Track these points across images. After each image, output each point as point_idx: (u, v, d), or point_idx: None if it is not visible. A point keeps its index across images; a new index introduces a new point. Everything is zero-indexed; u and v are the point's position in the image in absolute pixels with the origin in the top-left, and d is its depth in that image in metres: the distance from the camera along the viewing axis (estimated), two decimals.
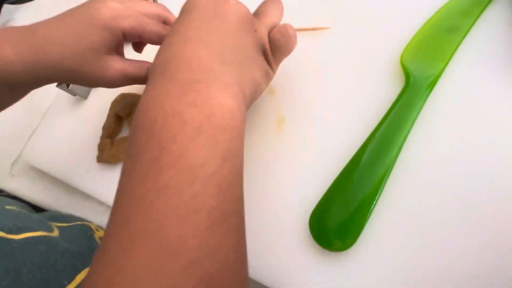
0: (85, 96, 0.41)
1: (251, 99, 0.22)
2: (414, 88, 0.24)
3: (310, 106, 0.28)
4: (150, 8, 0.26)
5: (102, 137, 0.36)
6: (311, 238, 0.23)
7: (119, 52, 0.26)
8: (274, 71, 0.25)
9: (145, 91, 0.18)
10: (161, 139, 0.15)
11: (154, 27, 0.25)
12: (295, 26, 0.30)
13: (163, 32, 0.26)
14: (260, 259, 0.23)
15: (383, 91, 0.26)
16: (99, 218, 0.35)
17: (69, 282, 0.24)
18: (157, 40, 0.26)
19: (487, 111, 0.23)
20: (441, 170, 0.22)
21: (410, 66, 0.25)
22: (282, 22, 0.25)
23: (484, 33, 0.25)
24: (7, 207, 0.28)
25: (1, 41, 0.23)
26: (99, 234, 0.33)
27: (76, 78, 0.25)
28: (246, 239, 0.17)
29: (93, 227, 0.33)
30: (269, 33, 0.23)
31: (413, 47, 0.26)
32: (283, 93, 0.30)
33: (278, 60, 0.25)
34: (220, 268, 0.14)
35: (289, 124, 0.28)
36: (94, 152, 0.36)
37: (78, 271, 0.25)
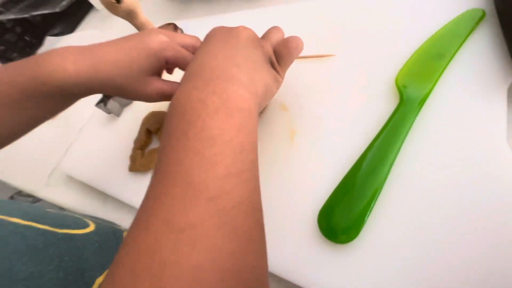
0: (118, 114, 0.47)
1: (264, 96, 0.26)
2: (407, 104, 0.28)
3: (318, 122, 0.32)
4: (189, 40, 0.32)
5: (133, 149, 0.41)
6: (319, 232, 0.26)
7: (159, 74, 0.32)
8: (282, 77, 0.30)
9: (177, 89, 0.23)
10: (189, 119, 0.20)
11: (189, 56, 0.31)
12: (305, 54, 0.35)
13: None
14: (274, 252, 0.26)
15: (381, 108, 0.30)
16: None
17: (101, 274, 0.27)
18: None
19: (469, 125, 0.26)
20: (431, 175, 0.26)
21: (403, 87, 0.29)
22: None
23: (467, 58, 0.29)
24: (48, 210, 0.32)
25: (64, 56, 0.28)
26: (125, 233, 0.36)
27: (123, 93, 0.30)
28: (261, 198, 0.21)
29: (122, 229, 0.37)
30: (274, 47, 0.29)
31: (406, 70, 0.30)
32: (294, 110, 0.34)
33: (284, 68, 0.30)
34: (234, 206, 0.18)
35: (299, 136, 0.32)
36: (126, 162, 0.41)
37: (105, 268, 0.28)
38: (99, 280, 0.27)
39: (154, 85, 0.30)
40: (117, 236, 0.34)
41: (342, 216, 0.26)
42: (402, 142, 0.27)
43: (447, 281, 0.22)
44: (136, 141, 0.41)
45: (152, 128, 0.41)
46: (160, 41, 0.29)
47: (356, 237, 0.25)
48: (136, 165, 0.38)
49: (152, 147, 0.41)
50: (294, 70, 0.36)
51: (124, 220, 0.39)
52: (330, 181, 0.28)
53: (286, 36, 0.30)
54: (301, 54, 0.37)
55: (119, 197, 0.39)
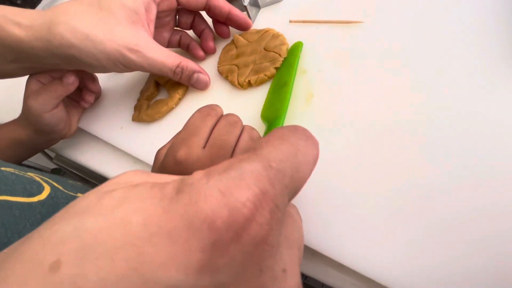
0: None
1: None
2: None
3: (335, 87, 0.31)
4: None
5: (139, 99, 0.39)
6: None
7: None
8: None
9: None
10: None
11: None
12: (332, 18, 0.34)
13: None
14: None
15: (396, 80, 0.29)
16: None
17: None
18: None
19: None
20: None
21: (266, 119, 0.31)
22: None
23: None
24: (2, 168, 0.29)
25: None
26: None
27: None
28: None
29: None
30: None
31: (266, 104, 0.33)
32: (313, 73, 0.33)
33: None
34: None
35: (316, 99, 0.31)
36: (129, 112, 0.40)
37: None
38: None
39: None
40: None
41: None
42: None
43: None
44: (143, 92, 0.39)
45: (161, 81, 0.39)
46: None
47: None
48: (141, 114, 0.37)
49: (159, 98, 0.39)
50: (318, 34, 0.35)
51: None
52: (340, 139, 0.27)
53: None
54: (328, 18, 0.36)
55: (119, 147, 0.38)
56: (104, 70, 0.33)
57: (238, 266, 0.12)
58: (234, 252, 0.12)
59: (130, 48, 0.31)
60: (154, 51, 0.32)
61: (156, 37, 0.37)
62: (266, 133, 0.29)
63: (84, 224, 0.12)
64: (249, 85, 0.34)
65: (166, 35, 0.39)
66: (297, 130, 0.17)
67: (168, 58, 0.33)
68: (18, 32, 0.29)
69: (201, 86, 0.36)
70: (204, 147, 0.23)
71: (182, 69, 0.34)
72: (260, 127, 0.31)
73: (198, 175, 0.13)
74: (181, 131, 0.25)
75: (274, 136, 0.16)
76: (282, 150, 0.15)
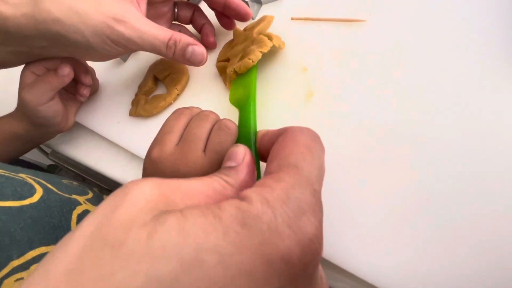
0: (124, 60, 0.44)
1: None
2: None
3: (335, 85, 0.30)
4: None
5: (137, 94, 0.39)
6: None
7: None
8: None
9: None
10: None
11: None
12: (334, 16, 0.33)
13: None
14: None
15: (396, 78, 0.28)
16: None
17: (18, 257, 0.24)
18: None
19: None
20: None
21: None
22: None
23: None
24: None
25: None
26: (82, 208, 0.32)
27: None
28: None
29: (81, 200, 0.33)
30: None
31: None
32: (314, 72, 0.32)
33: None
34: None
35: (316, 98, 0.31)
36: (127, 107, 0.39)
37: (31, 248, 0.25)
38: (14, 263, 0.23)
39: None
40: (64, 212, 0.29)
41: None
42: None
43: None
44: (141, 86, 0.39)
45: (160, 75, 0.38)
46: None
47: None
48: (138, 109, 0.36)
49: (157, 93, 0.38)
50: (319, 32, 0.34)
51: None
52: (340, 143, 0.26)
53: None
54: (330, 16, 0.35)
55: (116, 141, 0.37)
56: (93, 51, 0.31)
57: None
58: (302, 279, 0.13)
59: (118, 19, 0.29)
60: (144, 22, 0.30)
61: None
62: (240, 119, 0.26)
63: (155, 270, 0.11)
64: (236, 74, 0.31)
65: (164, 27, 0.37)
66: (315, 136, 0.18)
67: (159, 31, 0.31)
68: (4, 9, 0.28)
69: (198, 59, 0.32)
70: (177, 144, 0.24)
71: (175, 41, 0.31)
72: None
73: (257, 204, 0.13)
74: (158, 132, 0.25)
75: (300, 145, 0.16)
76: (316, 167, 0.16)
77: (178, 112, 0.26)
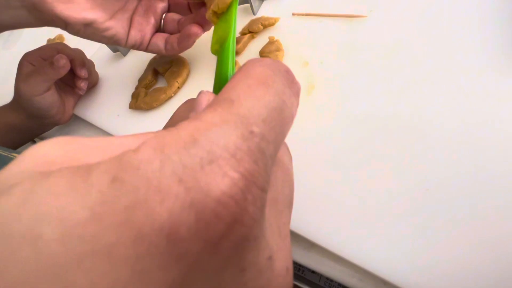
0: (124, 54, 0.44)
1: None
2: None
3: (336, 79, 0.31)
4: None
5: (137, 87, 0.39)
6: None
7: None
8: None
9: None
10: None
11: None
12: (336, 12, 0.33)
13: None
14: None
15: (398, 73, 0.28)
16: None
17: None
18: None
19: None
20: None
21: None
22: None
23: None
24: None
25: None
26: None
27: None
28: None
29: (11, 156, 0.31)
30: None
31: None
32: (315, 66, 0.32)
33: None
34: None
35: (317, 91, 0.31)
36: (126, 100, 0.39)
37: None
38: None
39: None
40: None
41: None
42: None
43: None
44: (141, 80, 0.39)
45: (160, 69, 0.38)
46: None
47: None
48: (138, 102, 0.36)
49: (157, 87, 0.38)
50: (322, 27, 0.35)
51: None
52: (340, 134, 0.27)
53: None
54: (331, 12, 0.35)
55: (115, 134, 0.37)
56: None
57: (214, 277, 0.09)
58: (207, 264, 0.09)
59: None
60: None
61: (142, 22, 0.34)
62: (218, 62, 0.21)
63: None
64: (216, 16, 0.26)
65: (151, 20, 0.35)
66: (280, 69, 0.12)
67: None
68: None
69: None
70: None
71: None
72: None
73: (145, 149, 0.09)
74: (167, 122, 0.23)
75: (252, 76, 0.11)
76: (265, 104, 0.11)
77: (188, 103, 0.24)
